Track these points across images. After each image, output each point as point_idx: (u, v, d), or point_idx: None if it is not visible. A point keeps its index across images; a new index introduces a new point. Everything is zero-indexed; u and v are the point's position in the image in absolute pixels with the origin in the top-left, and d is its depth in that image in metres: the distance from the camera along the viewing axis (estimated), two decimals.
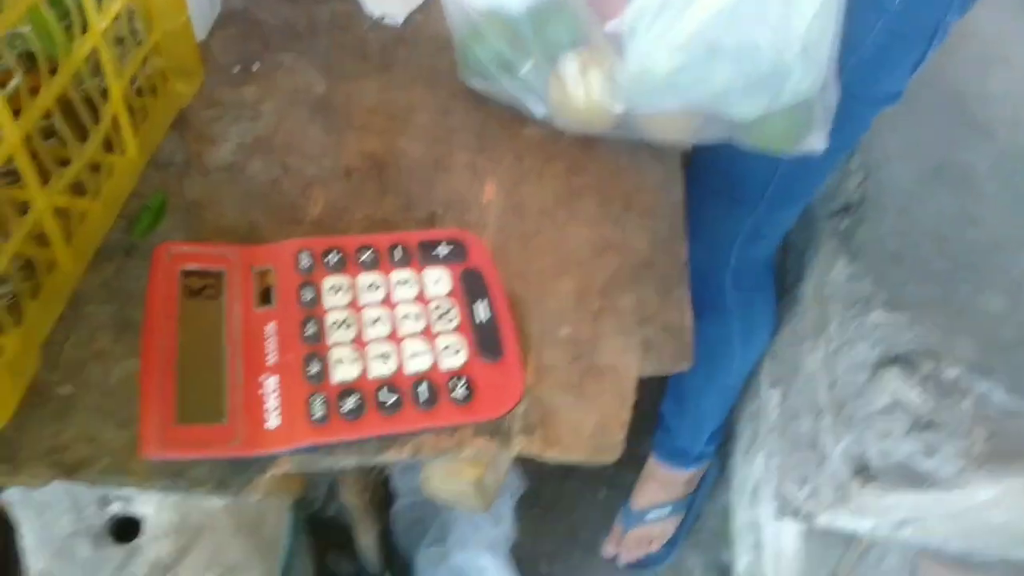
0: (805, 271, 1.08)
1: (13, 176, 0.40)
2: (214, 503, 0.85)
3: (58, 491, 0.84)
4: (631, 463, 1.21)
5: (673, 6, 0.48)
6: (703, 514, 1.24)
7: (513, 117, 0.61)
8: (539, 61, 0.55)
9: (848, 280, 0.95)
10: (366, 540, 0.99)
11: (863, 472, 0.88)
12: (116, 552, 0.80)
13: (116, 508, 0.83)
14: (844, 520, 0.94)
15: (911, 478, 0.83)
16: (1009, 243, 0.89)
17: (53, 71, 0.41)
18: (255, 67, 0.61)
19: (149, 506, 0.84)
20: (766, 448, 1.13)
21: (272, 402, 0.41)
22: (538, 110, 0.58)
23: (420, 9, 0.68)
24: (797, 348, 1.06)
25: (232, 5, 0.65)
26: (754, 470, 1.18)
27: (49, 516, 0.82)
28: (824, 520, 0.95)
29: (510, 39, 0.55)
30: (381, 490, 1.11)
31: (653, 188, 0.57)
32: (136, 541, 0.81)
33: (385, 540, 1.10)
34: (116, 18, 0.46)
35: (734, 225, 0.85)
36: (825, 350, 1.00)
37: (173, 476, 0.40)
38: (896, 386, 0.84)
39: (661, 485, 1.14)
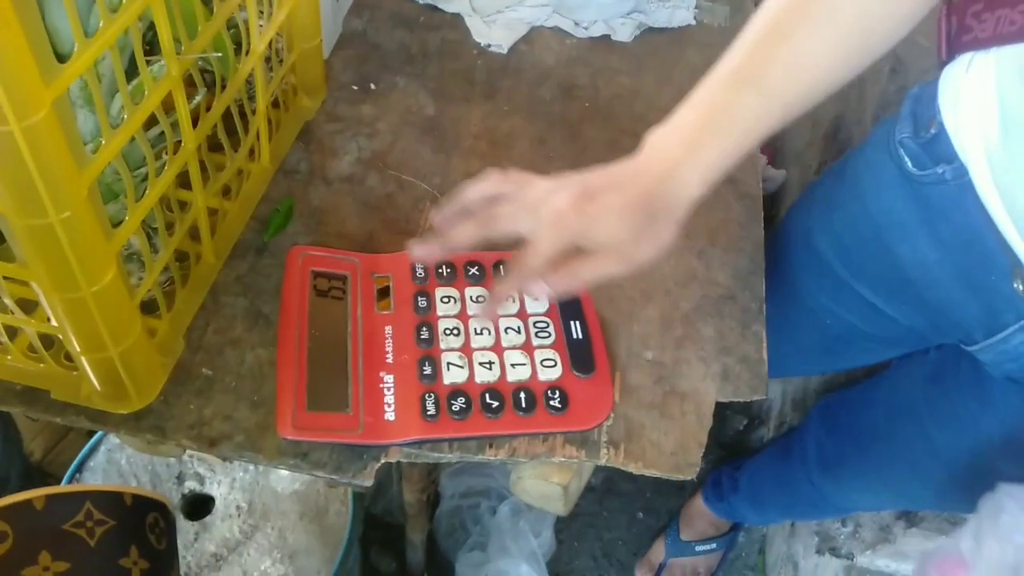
0: None
1: (181, 178, 0.45)
2: (281, 489, 0.90)
3: (139, 466, 0.90)
4: (669, 490, 1.24)
5: None
6: (737, 545, 1.25)
7: (609, 150, 0.65)
8: None
9: None
10: (416, 538, 1.03)
11: (908, 516, 0.90)
12: (189, 527, 0.85)
13: (191, 486, 0.89)
14: (885, 561, 0.95)
15: (957, 524, 0.84)
16: None
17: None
18: (373, 87, 0.66)
19: (222, 487, 0.89)
20: None
21: (390, 397, 0.46)
22: None
23: (524, 39, 0.72)
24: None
25: (352, 27, 0.71)
26: None
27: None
28: (865, 560, 0.96)
29: None
30: (432, 491, 1.14)
31: (736, 225, 0.61)
32: (207, 518, 0.86)
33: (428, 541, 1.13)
34: (270, 41, 0.51)
35: None
36: None
37: (298, 457, 0.45)
38: None
39: (711, 523, 1.17)
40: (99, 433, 0.87)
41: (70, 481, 0.86)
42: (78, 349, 0.39)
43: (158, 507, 0.47)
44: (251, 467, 0.89)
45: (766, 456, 1.00)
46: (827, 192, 0.63)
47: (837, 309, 0.63)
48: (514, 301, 0.51)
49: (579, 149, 0.65)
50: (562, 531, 1.18)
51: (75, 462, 0.86)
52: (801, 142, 1.28)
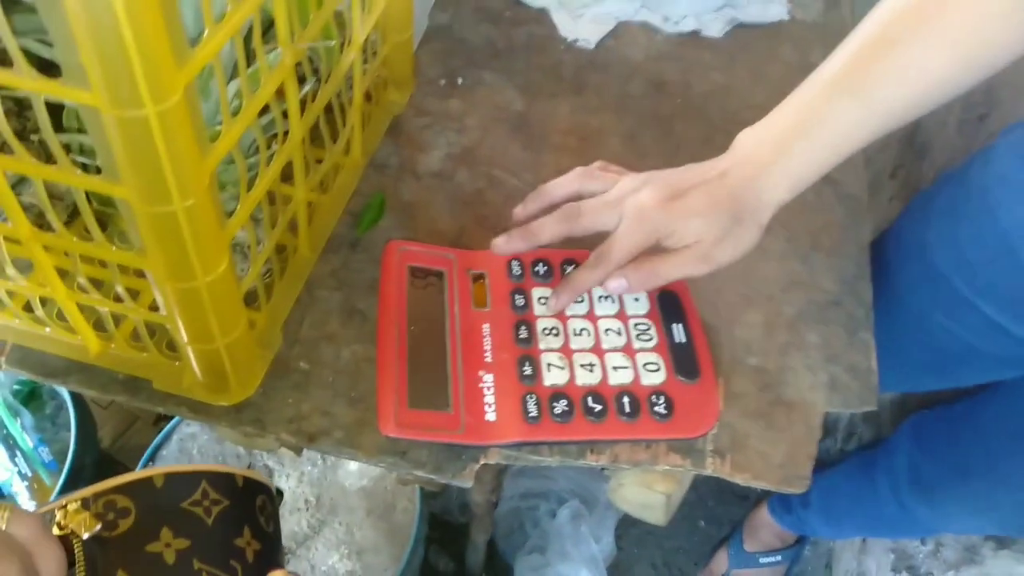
0: None
1: (283, 171, 0.44)
2: (349, 485, 0.90)
3: (209, 456, 0.91)
4: (731, 499, 1.20)
5: None
6: (802, 559, 1.22)
7: (701, 148, 0.62)
8: None
9: None
10: (480, 539, 1.02)
11: (999, 537, 0.85)
12: None
13: None
14: None
15: None
16: None
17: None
18: (460, 81, 0.65)
19: (290, 480, 0.90)
20: None
21: (490, 397, 0.44)
22: None
23: (612, 34, 0.71)
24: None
25: (438, 21, 0.70)
26: None
27: None
28: None
29: None
30: (500, 492, 1.13)
31: (839, 227, 0.58)
32: None
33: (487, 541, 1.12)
34: (368, 34, 0.50)
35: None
36: None
37: (397, 455, 0.44)
38: None
39: (777, 535, 1.13)
40: (173, 421, 0.88)
41: (144, 468, 0.87)
42: (186, 339, 0.39)
43: (265, 490, 0.47)
44: (319, 461, 0.89)
45: (842, 471, 0.96)
46: (947, 204, 0.60)
47: (954, 327, 0.60)
48: (613, 302, 0.49)
49: (672, 146, 0.63)
50: (622, 537, 1.16)
51: (149, 449, 0.87)
52: (872, 145, 1.23)
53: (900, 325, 0.63)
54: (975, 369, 0.64)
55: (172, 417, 0.88)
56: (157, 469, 0.40)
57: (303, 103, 0.43)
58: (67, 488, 0.88)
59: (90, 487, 0.39)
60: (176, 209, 0.32)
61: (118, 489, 0.39)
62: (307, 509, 0.87)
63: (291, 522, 0.87)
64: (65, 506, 0.37)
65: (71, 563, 0.34)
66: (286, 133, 0.42)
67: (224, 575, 0.38)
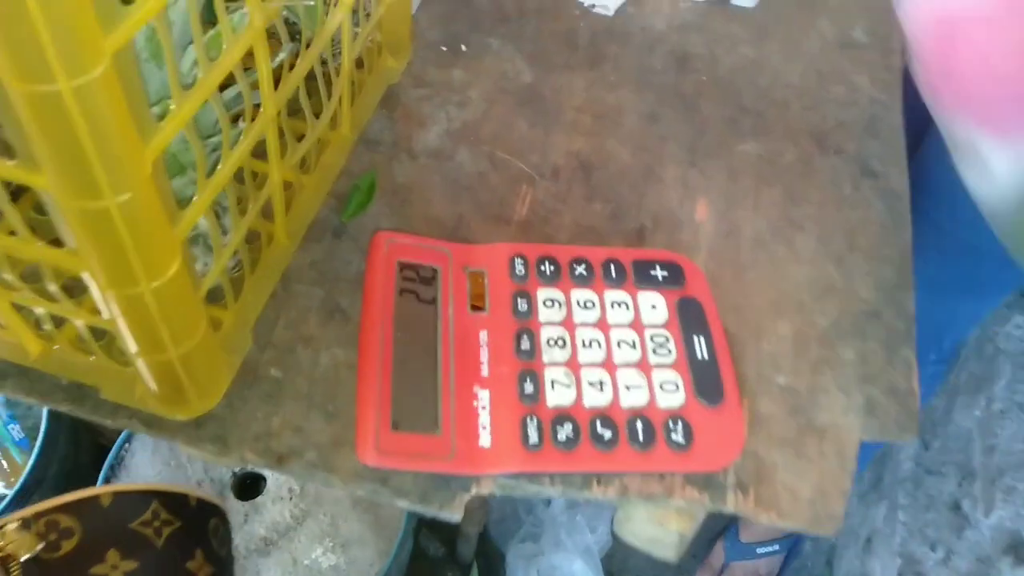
0: None
1: (256, 148, 0.38)
2: None
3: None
4: None
5: None
6: (803, 553, 1.18)
7: (728, 131, 0.56)
8: None
9: None
10: (471, 531, 0.98)
11: (1017, 550, 0.81)
12: (239, 507, 0.81)
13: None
14: None
15: None
16: None
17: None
18: (463, 48, 0.58)
19: None
20: (891, 498, 1.06)
21: (485, 418, 0.39)
22: None
23: (631, 1, 0.64)
24: (949, 400, 0.99)
25: None
26: (871, 518, 1.11)
27: (177, 463, 0.84)
28: None
29: None
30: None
31: (879, 226, 0.52)
32: (258, 499, 0.82)
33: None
34: None
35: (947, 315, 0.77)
36: (986, 410, 0.92)
37: (377, 481, 0.38)
38: None
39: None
40: None
41: (120, 449, 0.83)
42: (134, 350, 0.33)
43: (218, 513, 0.45)
44: None
45: None
46: None
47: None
48: (628, 308, 0.44)
49: (696, 129, 0.56)
50: None
51: (124, 432, 0.82)
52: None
53: None
54: None
55: None
56: (104, 488, 0.38)
57: (279, 73, 0.37)
58: (38, 468, 0.84)
59: (31, 507, 0.36)
60: (108, 205, 0.26)
61: (62, 508, 0.37)
62: (290, 498, 0.82)
63: (273, 512, 0.82)
64: (3, 527, 0.35)
65: None
66: (257, 107, 0.36)
67: None
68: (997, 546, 0.84)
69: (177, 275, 0.31)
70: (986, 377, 0.93)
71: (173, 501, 0.40)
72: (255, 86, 0.35)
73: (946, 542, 0.94)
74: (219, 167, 0.33)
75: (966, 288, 0.73)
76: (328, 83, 0.43)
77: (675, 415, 0.40)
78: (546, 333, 0.42)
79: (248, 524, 0.80)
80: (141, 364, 0.35)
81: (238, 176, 0.37)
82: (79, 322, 0.35)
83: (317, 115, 0.43)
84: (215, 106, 0.32)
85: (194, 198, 0.32)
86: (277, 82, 0.36)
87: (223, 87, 0.33)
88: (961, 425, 0.94)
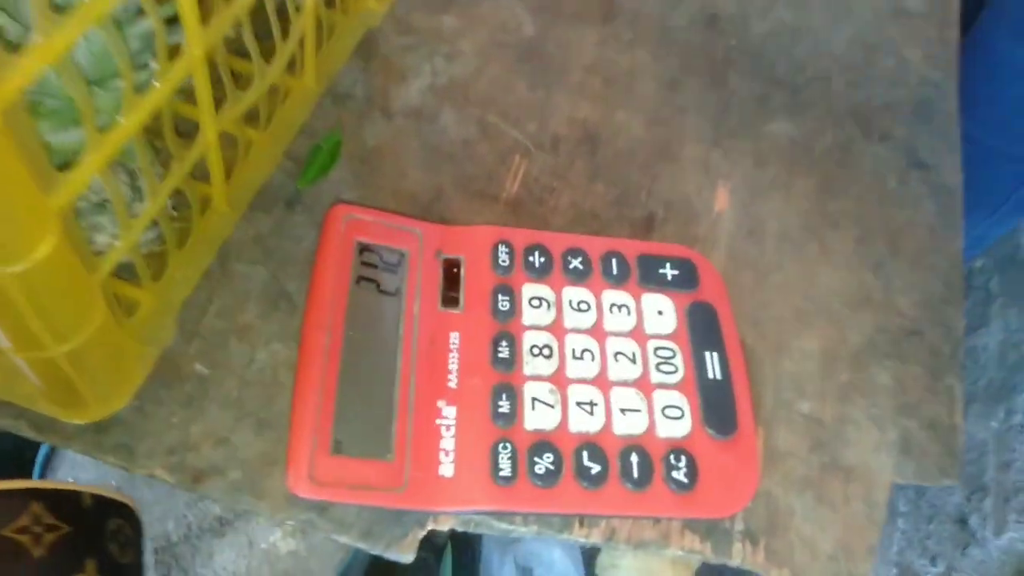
0: (992, 319, 0.94)
1: (186, 94, 0.31)
2: None
3: None
4: None
5: None
6: None
7: (758, 107, 0.49)
8: None
9: None
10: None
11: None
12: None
13: None
14: None
15: None
16: None
17: None
18: None
19: None
20: (890, 503, 1.01)
21: (448, 441, 0.32)
22: None
23: None
24: (963, 406, 0.92)
25: None
26: None
27: None
28: None
29: None
30: None
31: (927, 229, 0.45)
32: None
33: None
34: None
35: None
36: (1003, 422, 0.86)
37: (314, 511, 0.32)
38: None
39: None
40: None
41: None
42: (6, 345, 0.26)
43: (123, 512, 0.39)
44: None
45: None
46: None
47: None
48: (630, 313, 0.37)
49: (720, 103, 0.49)
50: None
51: None
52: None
53: None
54: None
55: None
56: None
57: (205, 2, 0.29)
58: None
59: None
60: None
61: None
62: None
63: None
64: None
65: None
66: (178, 46, 0.28)
67: None
68: (1006, 569, 0.78)
69: (54, 255, 0.24)
70: (1007, 387, 0.87)
71: (60, 501, 0.34)
72: (175, 20, 0.28)
73: (948, 557, 0.88)
74: (118, 121, 0.26)
75: (975, 201, 0.66)
76: (285, 19, 0.36)
77: (678, 447, 0.34)
78: (530, 339, 0.35)
79: (203, 501, 0.74)
80: (19, 360, 0.28)
81: (157, 130, 0.30)
82: None
83: (268, 59, 0.35)
84: (109, 40, 0.24)
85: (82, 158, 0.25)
86: (205, 18, 0.29)
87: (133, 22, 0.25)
88: (975, 436, 0.88)
